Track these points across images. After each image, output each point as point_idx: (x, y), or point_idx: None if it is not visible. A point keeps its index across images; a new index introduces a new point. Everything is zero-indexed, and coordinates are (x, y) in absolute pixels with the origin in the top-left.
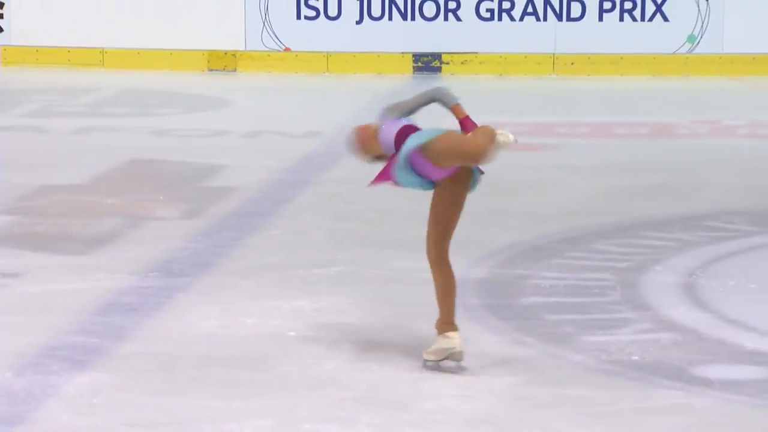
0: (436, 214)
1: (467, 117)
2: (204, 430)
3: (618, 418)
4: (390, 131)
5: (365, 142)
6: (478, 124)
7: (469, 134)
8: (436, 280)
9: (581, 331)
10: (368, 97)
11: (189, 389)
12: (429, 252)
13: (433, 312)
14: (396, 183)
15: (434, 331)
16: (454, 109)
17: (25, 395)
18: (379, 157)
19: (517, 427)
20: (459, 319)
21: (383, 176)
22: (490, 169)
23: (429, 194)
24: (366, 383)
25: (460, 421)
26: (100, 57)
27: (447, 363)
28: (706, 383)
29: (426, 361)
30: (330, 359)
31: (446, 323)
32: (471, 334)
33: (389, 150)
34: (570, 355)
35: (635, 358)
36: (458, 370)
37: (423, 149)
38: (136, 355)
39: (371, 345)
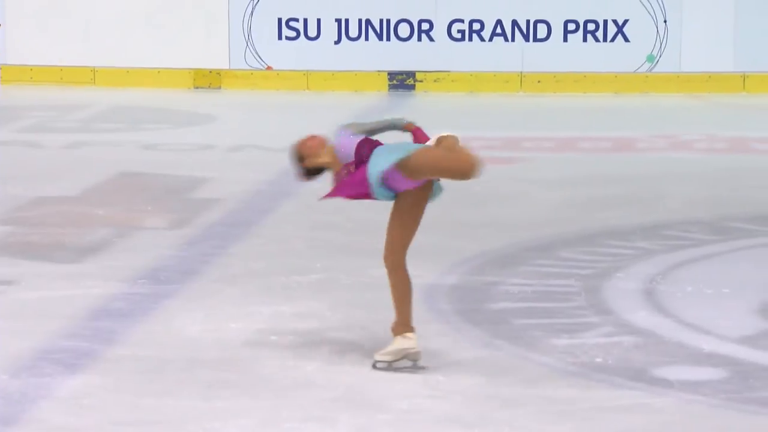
0: (402, 224)
1: (419, 128)
2: (190, 429)
3: (583, 417)
4: (349, 141)
5: (313, 148)
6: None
7: (442, 147)
8: (395, 285)
9: (548, 334)
10: (346, 113)
11: (176, 390)
12: (389, 259)
13: None
14: (351, 197)
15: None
16: (407, 126)
17: (19, 396)
18: (314, 171)
19: (486, 425)
20: (431, 322)
21: (338, 192)
22: (461, 182)
23: None
24: (344, 384)
25: (434, 420)
26: (91, 75)
27: (402, 363)
28: (666, 384)
29: (377, 362)
30: (310, 361)
31: (405, 325)
32: (443, 338)
33: (345, 159)
34: (537, 357)
35: (599, 360)
36: (417, 369)
37: (401, 166)
38: (126, 359)
39: (349, 348)
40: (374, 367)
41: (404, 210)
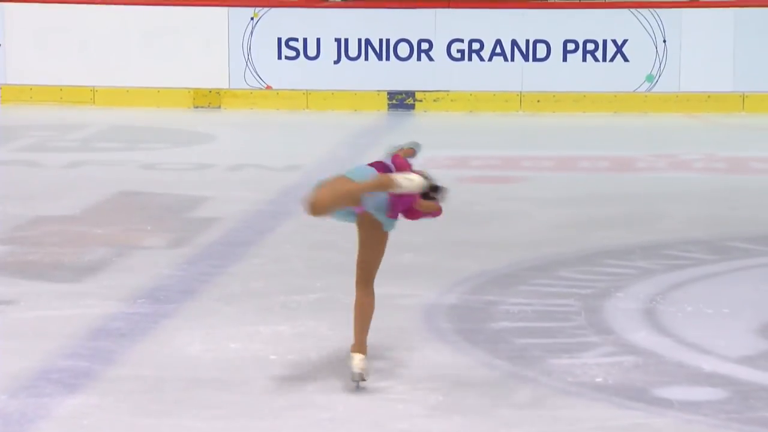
0: (382, 247)
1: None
2: None
3: None
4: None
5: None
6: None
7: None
8: (369, 305)
9: (548, 354)
10: (345, 132)
11: (175, 411)
12: (368, 280)
13: (408, 336)
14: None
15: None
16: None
17: (18, 417)
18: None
19: None
20: (431, 342)
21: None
22: (460, 200)
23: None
24: (343, 404)
25: None
26: (91, 95)
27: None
28: (666, 404)
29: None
30: (309, 381)
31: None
32: (442, 358)
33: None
34: (537, 377)
35: (599, 379)
36: (417, 389)
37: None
38: (125, 378)
39: (348, 368)
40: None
41: (385, 234)
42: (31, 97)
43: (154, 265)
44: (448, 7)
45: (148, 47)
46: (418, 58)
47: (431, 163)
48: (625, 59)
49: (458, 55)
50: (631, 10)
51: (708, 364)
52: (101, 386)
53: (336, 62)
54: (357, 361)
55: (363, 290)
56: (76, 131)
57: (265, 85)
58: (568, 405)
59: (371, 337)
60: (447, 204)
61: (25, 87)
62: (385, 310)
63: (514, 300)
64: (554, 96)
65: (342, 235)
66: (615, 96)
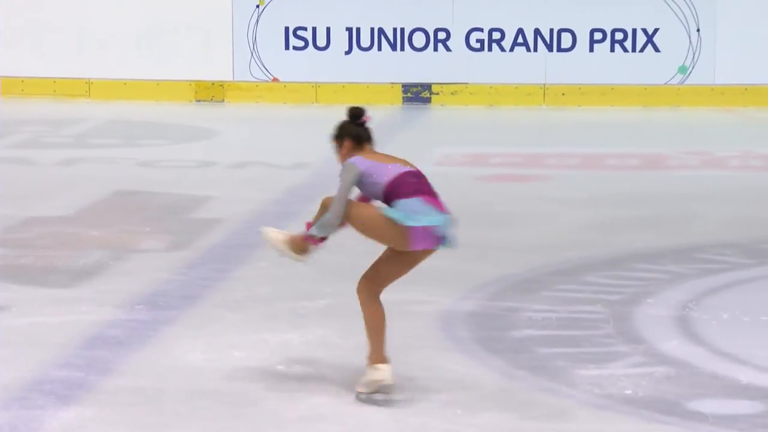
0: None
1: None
2: None
3: None
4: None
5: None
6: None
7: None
8: (378, 314)
9: (574, 364)
10: None
11: (175, 424)
12: (373, 290)
13: (420, 345)
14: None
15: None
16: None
17: (9, 430)
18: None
19: None
20: (449, 351)
21: None
22: (479, 200)
23: None
24: (354, 417)
25: None
26: (86, 88)
27: (378, 395)
28: (700, 417)
29: (359, 393)
30: (318, 393)
31: (377, 354)
32: (461, 368)
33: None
34: (562, 389)
35: (628, 392)
36: (434, 401)
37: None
38: (122, 390)
39: (359, 378)
40: (357, 398)
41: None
42: (23, 90)
43: (153, 269)
44: None
45: (147, 37)
46: (435, 49)
47: (448, 161)
48: (656, 49)
49: (477, 45)
50: None
51: (745, 376)
52: (97, 398)
53: (347, 53)
54: (388, 372)
55: (378, 301)
56: (70, 126)
57: (272, 78)
58: (596, 419)
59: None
60: (466, 204)
61: (16, 79)
62: (399, 317)
63: (537, 307)
64: (580, 89)
65: (352, 238)
66: (645, 89)
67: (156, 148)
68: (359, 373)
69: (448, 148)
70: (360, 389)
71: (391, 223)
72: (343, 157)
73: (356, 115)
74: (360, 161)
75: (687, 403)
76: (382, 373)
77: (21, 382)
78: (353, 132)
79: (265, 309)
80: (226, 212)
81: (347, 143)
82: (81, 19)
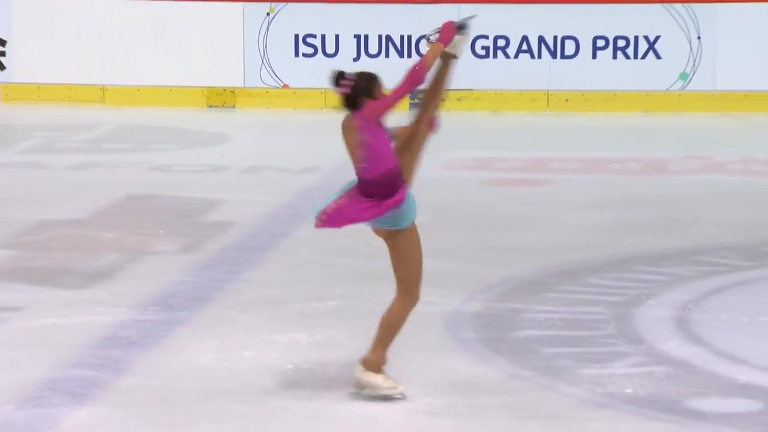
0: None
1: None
2: None
3: None
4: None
5: None
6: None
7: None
8: (400, 320)
9: (576, 364)
10: None
11: (187, 423)
12: (415, 295)
13: (426, 345)
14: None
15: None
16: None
17: (26, 428)
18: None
19: None
20: (455, 351)
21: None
22: (484, 204)
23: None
24: (362, 416)
25: None
26: (100, 94)
27: (385, 395)
28: (700, 416)
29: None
30: (327, 392)
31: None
32: (466, 368)
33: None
34: (565, 388)
35: (629, 391)
36: (439, 401)
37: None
38: (135, 389)
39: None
40: (358, 395)
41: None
42: (38, 96)
43: (165, 271)
44: (473, 2)
45: (159, 44)
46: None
47: (454, 165)
48: (658, 56)
49: (482, 52)
50: (664, 4)
51: (743, 375)
52: (111, 397)
53: (355, 60)
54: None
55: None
56: (84, 131)
57: (282, 84)
58: (597, 417)
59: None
60: (472, 207)
61: (32, 85)
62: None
63: (541, 308)
64: (583, 95)
65: (361, 240)
66: (647, 95)
67: (168, 153)
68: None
69: (454, 152)
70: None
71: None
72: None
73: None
74: None
75: (686, 401)
76: (391, 381)
77: (36, 381)
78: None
79: (275, 310)
80: (237, 215)
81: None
82: (97, 27)
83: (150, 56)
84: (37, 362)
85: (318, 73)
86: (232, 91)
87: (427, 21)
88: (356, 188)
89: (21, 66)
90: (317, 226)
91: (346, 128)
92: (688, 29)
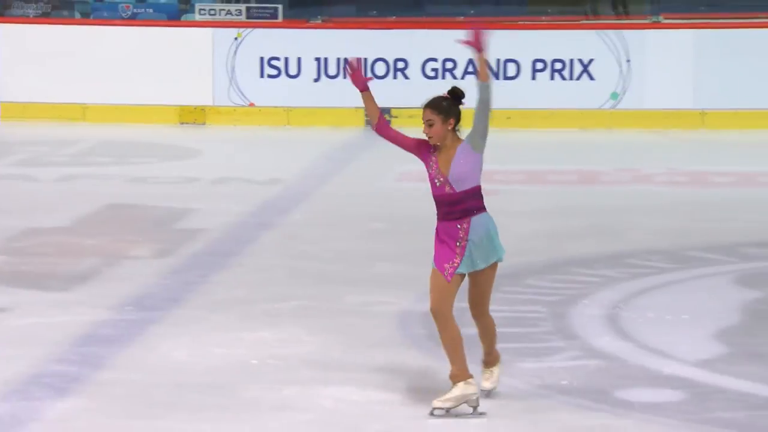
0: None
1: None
2: None
3: None
4: None
5: None
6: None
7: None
8: (447, 335)
9: (516, 358)
10: (325, 147)
11: (163, 414)
12: (439, 310)
13: (384, 342)
14: None
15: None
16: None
17: (10, 419)
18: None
19: None
20: (407, 347)
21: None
22: (433, 213)
23: (379, 238)
24: (321, 407)
25: None
26: (82, 112)
27: (461, 409)
28: (628, 405)
29: (435, 409)
30: (290, 385)
31: (463, 371)
32: (417, 362)
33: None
34: (506, 380)
35: (564, 382)
36: (393, 391)
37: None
38: (114, 383)
39: (327, 372)
40: (432, 414)
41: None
42: (24, 114)
43: (141, 274)
44: (423, 27)
45: (136, 66)
46: (395, 77)
47: (407, 177)
48: (591, 78)
49: (432, 74)
50: (597, 30)
51: (668, 368)
52: (91, 390)
53: (316, 80)
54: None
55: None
56: (68, 147)
57: (248, 103)
58: (535, 407)
59: (347, 343)
60: (425, 216)
61: (18, 104)
62: (362, 317)
63: None
64: (523, 113)
65: (322, 246)
66: (581, 113)
67: (145, 166)
68: (326, 367)
69: (407, 165)
70: (439, 404)
71: None
72: (441, 133)
73: (460, 96)
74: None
75: (617, 392)
76: (474, 387)
77: (21, 376)
78: (459, 113)
79: (243, 310)
80: (207, 223)
81: (452, 121)
82: (79, 49)
83: (127, 77)
84: (22, 358)
85: (282, 92)
86: (203, 109)
87: (383, 45)
88: None
89: (8, 86)
90: None
91: None
92: (618, 53)
